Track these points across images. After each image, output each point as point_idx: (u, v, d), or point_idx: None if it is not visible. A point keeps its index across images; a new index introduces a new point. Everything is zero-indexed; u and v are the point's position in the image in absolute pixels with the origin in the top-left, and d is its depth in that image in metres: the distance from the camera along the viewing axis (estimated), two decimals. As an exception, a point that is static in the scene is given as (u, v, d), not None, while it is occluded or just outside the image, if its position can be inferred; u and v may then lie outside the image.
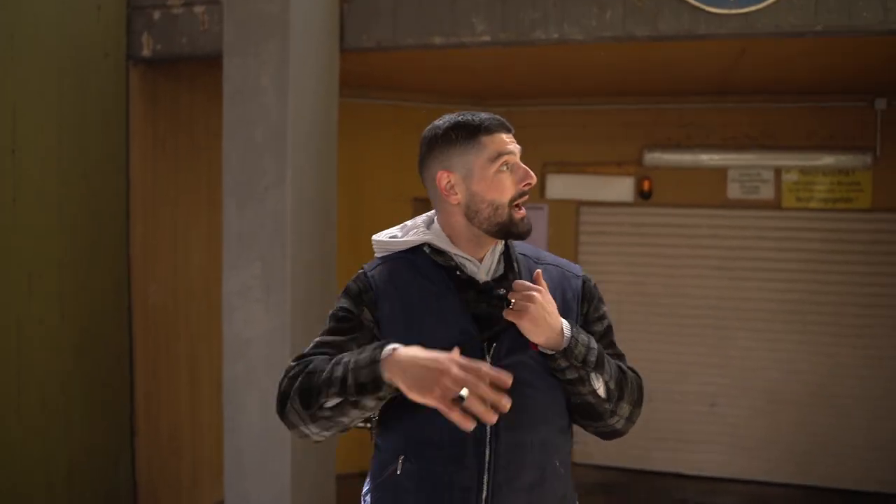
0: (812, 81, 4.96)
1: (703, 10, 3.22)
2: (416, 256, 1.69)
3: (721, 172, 5.66)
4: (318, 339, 1.66)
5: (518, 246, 1.74)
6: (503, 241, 1.70)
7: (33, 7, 3.60)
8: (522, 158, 1.66)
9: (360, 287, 1.68)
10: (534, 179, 1.63)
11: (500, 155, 1.62)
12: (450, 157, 1.64)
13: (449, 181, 1.64)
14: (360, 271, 1.73)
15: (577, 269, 1.77)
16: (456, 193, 1.65)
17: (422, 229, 1.73)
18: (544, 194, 5.90)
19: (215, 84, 3.75)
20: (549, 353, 1.59)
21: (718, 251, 5.76)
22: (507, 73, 4.96)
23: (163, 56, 4.10)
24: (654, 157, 5.72)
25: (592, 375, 1.60)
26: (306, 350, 1.65)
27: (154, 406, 4.46)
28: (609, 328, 1.76)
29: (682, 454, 5.83)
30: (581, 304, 1.72)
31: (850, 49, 3.92)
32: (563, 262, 1.79)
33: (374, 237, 1.76)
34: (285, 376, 1.60)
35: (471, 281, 1.65)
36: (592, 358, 1.59)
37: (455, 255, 1.67)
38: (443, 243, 1.67)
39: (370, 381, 1.45)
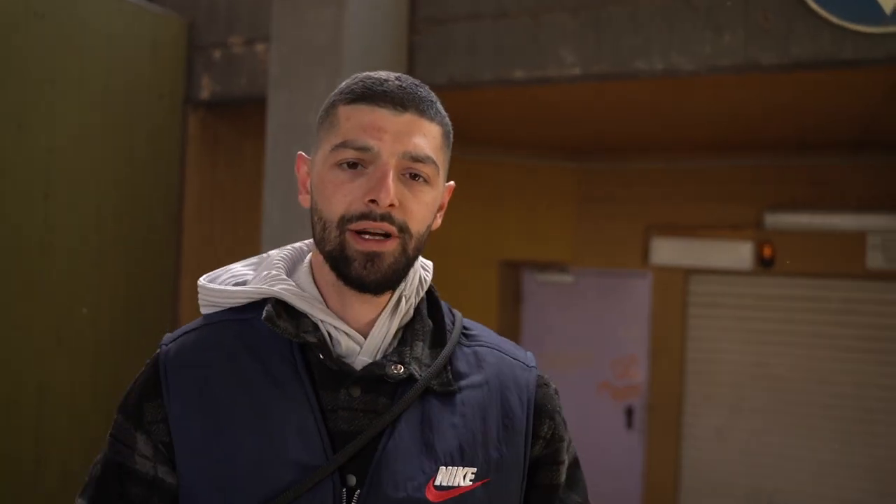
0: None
1: (848, 30, 2.57)
2: (257, 317, 1.00)
3: (858, 237, 4.87)
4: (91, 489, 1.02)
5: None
6: (410, 300, 1.02)
7: (81, 46, 3.35)
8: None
9: (143, 383, 1.01)
10: (386, 197, 0.92)
11: (344, 142, 0.95)
12: (316, 133, 1.03)
13: (305, 170, 1.04)
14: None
15: (526, 356, 1.09)
16: (307, 192, 1.03)
17: (277, 272, 1.03)
18: (648, 260, 5.27)
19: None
20: None
21: (857, 330, 4.92)
22: (599, 121, 4.39)
23: (221, 98, 3.77)
24: (777, 220, 5.02)
25: None
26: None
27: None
28: (574, 477, 1.08)
29: (814, 572, 4.90)
30: (536, 419, 1.04)
31: None
32: (505, 343, 1.10)
33: (202, 281, 1.07)
34: None
35: (340, 368, 0.96)
36: None
37: (317, 317, 0.98)
38: (299, 299, 0.99)
39: None
